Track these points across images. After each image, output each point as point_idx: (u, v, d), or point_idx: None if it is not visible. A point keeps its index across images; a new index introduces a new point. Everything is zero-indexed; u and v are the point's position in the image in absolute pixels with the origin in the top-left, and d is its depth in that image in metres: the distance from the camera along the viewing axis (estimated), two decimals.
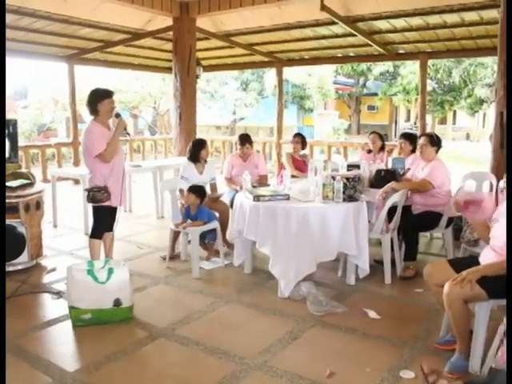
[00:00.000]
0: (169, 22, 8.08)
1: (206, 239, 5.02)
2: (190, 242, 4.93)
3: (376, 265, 4.65)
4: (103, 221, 4.31)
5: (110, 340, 3.33)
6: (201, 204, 4.88)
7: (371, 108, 31.06)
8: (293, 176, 5.67)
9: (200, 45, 9.09)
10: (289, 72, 17.23)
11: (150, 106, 22.99)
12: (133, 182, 8.00)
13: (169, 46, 9.28)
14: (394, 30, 8.13)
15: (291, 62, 11.16)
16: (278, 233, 4.06)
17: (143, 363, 3.06)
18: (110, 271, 3.49)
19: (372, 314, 3.73)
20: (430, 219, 4.69)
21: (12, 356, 3.13)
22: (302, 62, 11.16)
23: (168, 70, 10.49)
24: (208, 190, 5.38)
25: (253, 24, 8.60)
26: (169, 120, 20.50)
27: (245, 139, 5.90)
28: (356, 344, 3.29)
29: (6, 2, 7.00)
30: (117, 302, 3.50)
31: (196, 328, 3.53)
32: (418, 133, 8.51)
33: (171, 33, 8.23)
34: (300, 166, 6.43)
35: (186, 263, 4.94)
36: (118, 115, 4.21)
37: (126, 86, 20.39)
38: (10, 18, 7.82)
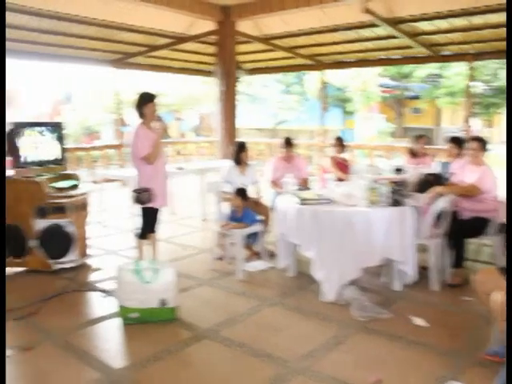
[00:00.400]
0: (211, 25, 8.18)
1: (250, 241, 5.06)
2: (233, 244, 4.98)
3: (422, 271, 4.56)
4: (148, 222, 4.41)
5: (156, 339, 3.39)
6: (245, 206, 4.91)
7: (415, 111, 30.47)
8: (339, 179, 5.65)
9: (241, 48, 9.16)
10: (331, 74, 17.11)
11: (193, 109, 23.26)
12: (176, 185, 8.11)
13: (211, 49, 9.38)
14: (438, 31, 7.99)
15: (333, 65, 11.10)
16: (322, 237, 4.05)
17: (188, 363, 3.11)
18: (156, 272, 3.56)
19: (418, 321, 3.66)
20: (478, 225, 4.57)
21: (61, 351, 3.25)
22: (345, 64, 11.09)
23: (210, 73, 10.61)
24: (251, 192, 5.41)
25: (295, 27, 8.61)
26: (211, 123, 20.68)
27: (289, 142, 5.91)
28: (401, 352, 3.23)
29: (58, 10, 7.31)
30: (162, 302, 3.56)
31: (240, 330, 3.55)
32: (465, 136, 8.32)
33: (213, 36, 8.33)
34: (342, 169, 6.39)
35: (230, 265, 4.98)
36: (159, 118, 4.32)
37: (171, 90, 20.69)
38: (62, 25, 8.08)
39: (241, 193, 4.93)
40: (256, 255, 5.12)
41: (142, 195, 4.23)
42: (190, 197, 8.36)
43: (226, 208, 5.22)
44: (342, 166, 6.43)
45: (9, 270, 4.90)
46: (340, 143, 6.56)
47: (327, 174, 5.47)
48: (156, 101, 4.36)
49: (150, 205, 4.29)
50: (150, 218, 4.41)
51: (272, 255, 5.11)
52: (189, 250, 5.71)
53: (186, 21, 8.46)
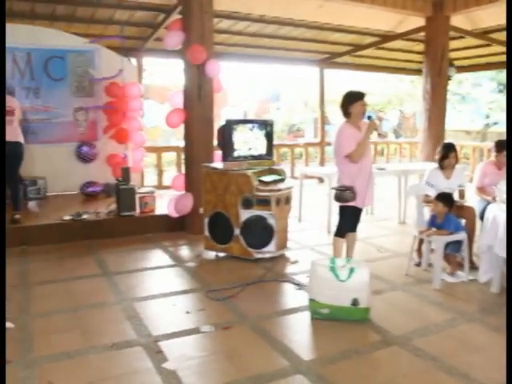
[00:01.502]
0: (420, 22, 7.86)
1: (448, 249, 4.72)
2: (432, 250, 4.73)
3: None
4: (348, 220, 4.41)
5: (345, 337, 3.39)
6: (448, 212, 4.62)
7: None
8: None
9: (453, 44, 8.62)
10: None
11: (396, 109, 22.69)
12: (374, 185, 7.99)
13: (419, 47, 9.03)
14: None
15: None
16: None
17: (374, 367, 3.04)
18: (351, 271, 3.55)
19: None
20: None
21: (255, 334, 3.44)
22: None
23: (417, 71, 10.24)
24: (456, 196, 5.06)
25: None
26: (415, 123, 19.96)
27: (502, 146, 5.37)
28: None
29: (278, 15, 7.76)
30: (354, 302, 3.54)
31: (433, 342, 3.36)
32: None
33: (422, 33, 7.99)
34: None
35: (426, 273, 4.75)
36: (369, 117, 4.26)
37: (374, 89, 20.48)
38: (271, 28, 8.57)
39: (444, 198, 4.63)
40: (456, 265, 4.78)
41: (344, 193, 4.24)
42: (388, 198, 8.18)
43: (427, 212, 4.98)
44: None
45: (213, 254, 5.37)
46: None
47: None
48: (364, 99, 4.32)
49: (351, 203, 4.29)
50: (349, 217, 4.41)
51: (474, 267, 4.73)
52: (383, 253, 5.60)
53: (395, 18, 8.27)
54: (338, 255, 4.39)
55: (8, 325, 3.51)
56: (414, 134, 18.42)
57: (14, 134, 6.08)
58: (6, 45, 7.43)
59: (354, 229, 4.49)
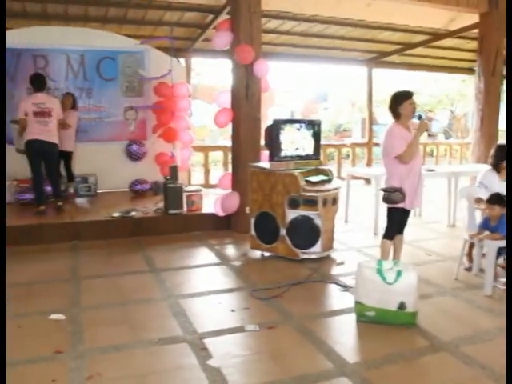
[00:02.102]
0: (474, 19, 7.62)
1: (501, 255, 4.56)
2: (483, 255, 4.58)
3: None
4: (395, 222, 4.33)
5: (391, 341, 3.32)
6: (502, 215, 4.44)
7: None
8: None
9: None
10: None
11: (446, 109, 22.15)
12: (423, 187, 7.83)
13: (472, 45, 8.78)
14: None
15: None
16: None
17: (421, 373, 2.97)
18: (399, 273, 3.48)
19: None
20: None
21: (299, 335, 3.42)
22: None
23: (469, 70, 9.96)
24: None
25: None
26: (466, 124, 19.42)
27: None
28: None
29: (328, 15, 7.71)
30: (401, 305, 3.47)
31: (483, 349, 3.24)
32: None
33: (475, 31, 7.75)
34: None
35: (477, 278, 4.60)
36: (419, 117, 4.17)
37: (422, 89, 20.06)
38: (318, 27, 8.51)
39: (500, 199, 4.45)
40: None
41: (392, 195, 4.17)
42: (437, 200, 7.98)
43: (478, 215, 4.83)
44: None
45: (259, 254, 5.39)
46: None
47: None
48: (412, 98, 4.24)
49: (400, 205, 4.22)
50: (397, 219, 4.34)
51: None
52: (432, 256, 5.47)
53: (447, 15, 8.07)
54: (385, 258, 4.32)
55: (59, 316, 3.64)
56: (465, 135, 17.93)
57: (49, 134, 6.37)
58: (62, 47, 7.77)
59: (401, 231, 4.40)
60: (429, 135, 4.22)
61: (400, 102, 4.21)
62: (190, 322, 3.59)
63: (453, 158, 12.96)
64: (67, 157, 7.49)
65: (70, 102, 7.43)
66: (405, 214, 4.31)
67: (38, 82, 6.45)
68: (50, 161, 6.55)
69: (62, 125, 6.79)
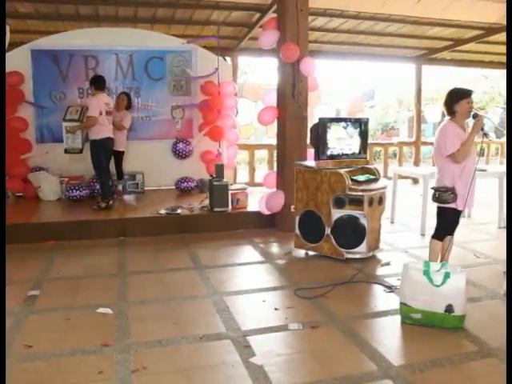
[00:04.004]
0: None
1: None
2: None
3: None
4: (446, 223, 4.24)
5: (437, 345, 3.25)
6: None
7: None
8: None
9: None
10: None
11: (499, 107, 21.42)
12: (475, 187, 7.61)
13: None
14: None
15: None
16: None
17: (468, 378, 2.88)
18: (446, 275, 3.40)
19: None
20: None
21: (343, 335, 3.39)
22: None
23: None
24: None
25: None
26: None
27: None
28: None
29: (375, 11, 7.60)
30: (449, 308, 3.39)
31: None
32: None
33: None
34: None
35: None
36: (475, 115, 4.06)
37: (474, 86, 19.48)
38: (366, 25, 8.39)
39: None
40: None
41: (444, 194, 4.08)
42: (488, 201, 7.74)
43: None
44: None
45: (303, 252, 5.37)
46: None
47: None
48: (471, 97, 4.12)
49: (451, 205, 4.12)
50: (448, 219, 4.23)
51: None
52: (482, 258, 5.31)
53: (500, 9, 7.76)
54: (434, 259, 4.23)
55: (106, 310, 3.74)
56: None
57: (111, 131, 6.78)
58: (111, 47, 7.97)
59: (452, 232, 4.29)
60: (484, 134, 4.08)
61: (457, 100, 4.09)
62: (233, 320, 3.62)
63: (504, 158, 12.52)
64: (119, 156, 7.61)
65: (124, 103, 7.55)
66: (456, 214, 4.20)
67: (102, 83, 6.73)
68: (113, 157, 7.15)
69: (118, 126, 7.05)
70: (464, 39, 9.42)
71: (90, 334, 3.36)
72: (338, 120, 5.39)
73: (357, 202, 4.91)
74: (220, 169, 6.63)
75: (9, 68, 6.83)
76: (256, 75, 21.87)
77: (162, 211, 6.41)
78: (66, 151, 6.92)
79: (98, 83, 6.65)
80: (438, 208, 4.24)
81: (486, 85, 19.68)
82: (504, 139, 16.88)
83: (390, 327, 3.57)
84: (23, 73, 7.50)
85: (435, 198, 4.15)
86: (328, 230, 5.06)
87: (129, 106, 7.62)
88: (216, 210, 6.45)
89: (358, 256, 5.04)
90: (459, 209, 4.16)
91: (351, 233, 5.00)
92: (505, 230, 6.50)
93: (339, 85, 25.15)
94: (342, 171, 4.98)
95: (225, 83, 8.07)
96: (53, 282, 4.47)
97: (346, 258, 5.02)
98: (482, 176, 6.48)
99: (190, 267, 4.95)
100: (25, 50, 7.59)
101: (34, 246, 5.51)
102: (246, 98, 19.21)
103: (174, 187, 8.22)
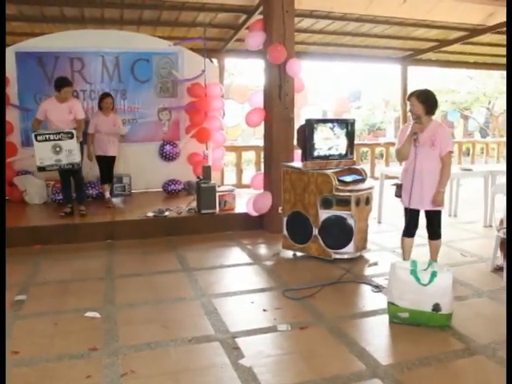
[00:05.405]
0: None
1: None
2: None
3: None
4: (405, 219, 4.42)
5: (424, 344, 3.27)
6: None
7: None
8: None
9: None
10: None
11: (484, 107, 21.64)
12: (460, 186, 7.69)
13: None
14: None
15: None
16: None
17: (456, 376, 2.91)
18: (433, 274, 3.42)
19: None
20: None
21: (331, 335, 3.41)
22: None
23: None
24: None
25: None
26: (503, 122, 18.92)
27: None
28: None
29: (361, 13, 7.65)
30: (436, 307, 3.41)
31: None
32: None
33: None
34: None
35: None
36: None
37: (459, 86, 19.67)
38: (352, 26, 8.43)
39: None
40: None
41: (396, 189, 4.35)
42: (474, 200, 7.81)
43: None
44: None
45: (291, 253, 5.38)
46: None
47: None
48: (411, 99, 4.23)
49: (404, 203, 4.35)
50: (405, 216, 4.42)
51: None
52: (468, 257, 5.35)
53: (484, 10, 7.86)
54: (405, 256, 4.40)
55: (94, 314, 3.71)
56: (503, 133, 17.46)
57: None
58: (97, 49, 7.92)
59: (409, 230, 4.39)
60: (414, 140, 4.18)
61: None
62: (222, 321, 3.61)
63: (490, 157, 12.66)
64: (110, 162, 7.30)
65: (111, 106, 7.20)
66: (410, 212, 4.32)
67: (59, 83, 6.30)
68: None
69: (120, 139, 7.23)
70: (449, 40, 9.51)
71: (78, 338, 3.34)
72: (324, 121, 5.42)
73: (344, 203, 4.93)
74: (207, 171, 6.62)
75: None
76: (243, 77, 21.89)
77: (150, 214, 6.38)
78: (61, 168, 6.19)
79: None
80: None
81: (470, 85, 19.82)
82: (489, 139, 17.07)
83: (378, 327, 3.58)
84: (8, 75, 7.40)
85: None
86: (316, 231, 5.08)
87: (112, 108, 7.33)
88: (204, 212, 6.44)
89: (345, 256, 5.05)
90: (404, 205, 4.34)
91: (339, 233, 5.01)
92: (490, 229, 6.58)
93: (326, 86, 25.25)
94: (329, 172, 5.00)
95: (211, 85, 8.07)
96: (40, 286, 4.43)
97: (334, 258, 5.04)
98: (467, 175, 6.56)
99: (178, 269, 4.94)
100: (9, 53, 7.50)
101: (21, 250, 5.45)
102: (233, 100, 19.22)
103: (161, 189, 8.19)
